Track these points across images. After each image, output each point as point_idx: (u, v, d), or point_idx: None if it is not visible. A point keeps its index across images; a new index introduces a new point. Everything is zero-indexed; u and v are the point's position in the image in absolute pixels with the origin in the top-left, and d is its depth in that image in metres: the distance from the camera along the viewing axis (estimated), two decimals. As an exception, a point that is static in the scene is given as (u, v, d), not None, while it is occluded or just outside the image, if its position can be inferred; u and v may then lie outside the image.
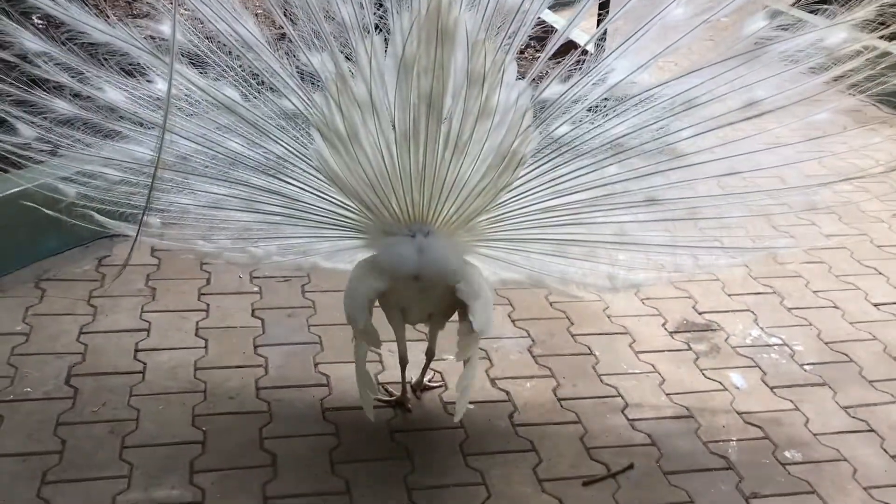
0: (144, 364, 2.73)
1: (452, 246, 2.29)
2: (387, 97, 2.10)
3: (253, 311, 3.04)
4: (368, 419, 2.39)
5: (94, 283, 3.11)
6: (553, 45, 2.17)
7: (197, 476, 2.30)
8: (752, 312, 3.28)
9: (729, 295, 3.38)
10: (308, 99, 2.22)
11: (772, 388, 2.86)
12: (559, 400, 2.73)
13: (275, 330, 2.95)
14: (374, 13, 2.10)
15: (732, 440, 2.61)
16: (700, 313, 3.26)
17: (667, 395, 2.80)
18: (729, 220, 2.46)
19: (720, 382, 2.87)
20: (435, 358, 2.57)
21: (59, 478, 2.25)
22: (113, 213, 2.43)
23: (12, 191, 3.06)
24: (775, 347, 3.08)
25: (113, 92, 2.32)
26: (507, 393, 2.74)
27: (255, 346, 2.86)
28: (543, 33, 2.27)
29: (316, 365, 2.79)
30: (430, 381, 2.75)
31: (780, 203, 2.46)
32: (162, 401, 2.57)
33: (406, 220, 2.24)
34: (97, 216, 2.44)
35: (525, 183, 2.29)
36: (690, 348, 3.04)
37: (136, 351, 2.78)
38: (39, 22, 2.59)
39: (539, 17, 2.15)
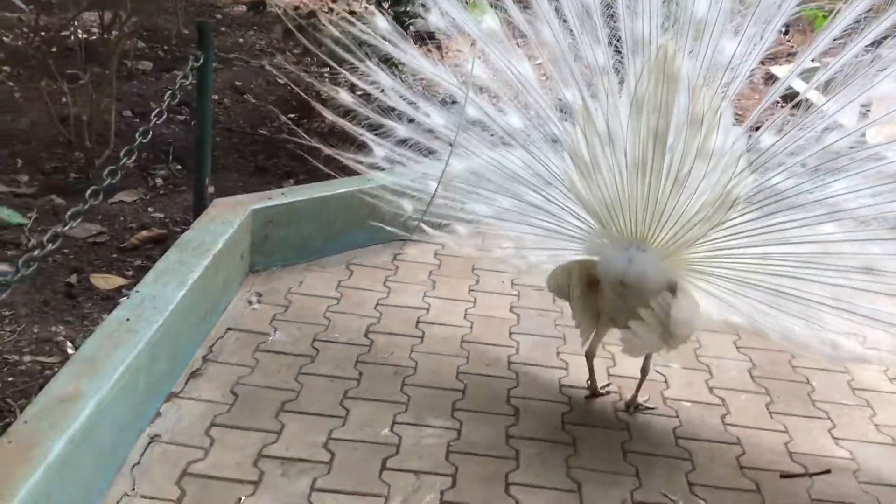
0: (423, 332, 3.40)
1: (662, 266, 2.66)
2: (621, 130, 2.58)
3: (511, 307, 3.64)
4: (602, 400, 2.98)
5: (389, 271, 3.87)
6: (769, 97, 2.55)
7: (457, 413, 2.90)
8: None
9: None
10: (563, 128, 2.77)
11: None
12: (770, 413, 3.06)
13: (527, 323, 3.52)
14: (613, 58, 2.62)
15: (933, 469, 2.82)
16: None
17: (875, 425, 3.03)
18: None
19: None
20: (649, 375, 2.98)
21: (356, 395, 2.94)
22: (435, 224, 3.10)
23: (340, 191, 3.92)
24: None
25: (436, 117, 3.02)
26: (723, 400, 3.11)
27: (510, 333, 3.44)
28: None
29: (558, 353, 3.32)
30: (646, 402, 3.02)
31: None
32: (434, 359, 3.22)
33: (629, 237, 2.68)
34: (427, 228, 3.09)
35: (739, 225, 2.60)
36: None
37: (418, 322, 3.46)
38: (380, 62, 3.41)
39: (755, 69, 2.52)
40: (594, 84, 2.66)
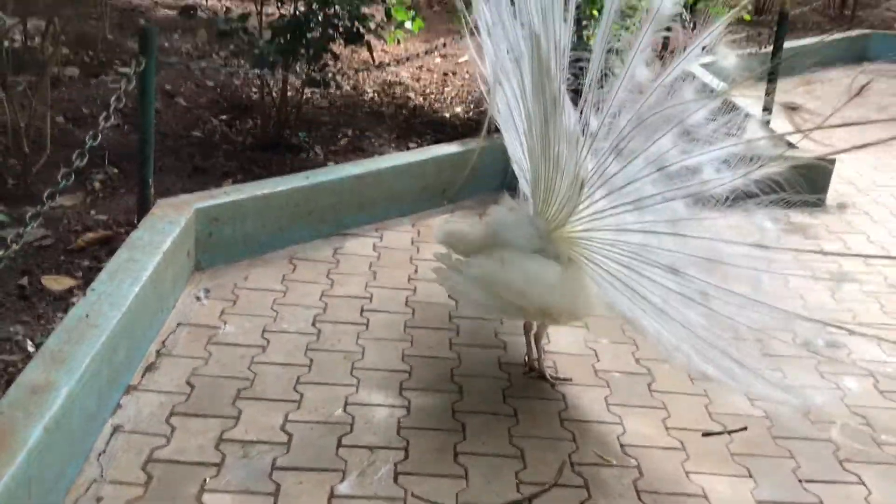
0: (368, 319, 3.56)
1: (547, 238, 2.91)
2: (532, 111, 2.84)
3: (449, 294, 3.83)
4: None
5: (331, 264, 4.02)
6: (589, 79, 2.84)
7: (405, 392, 3.08)
8: (877, 339, 3.73)
9: (859, 324, 3.85)
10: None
11: (881, 392, 3.33)
12: (692, 379, 3.30)
13: (466, 308, 3.73)
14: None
15: (836, 422, 3.12)
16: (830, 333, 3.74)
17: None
18: (740, 326, 2.58)
19: (835, 383, 3.37)
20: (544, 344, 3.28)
21: (308, 381, 3.10)
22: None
23: (281, 188, 4.06)
24: (892, 364, 3.53)
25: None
26: (648, 369, 3.37)
27: (451, 317, 3.64)
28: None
29: (496, 334, 3.53)
30: (556, 375, 3.22)
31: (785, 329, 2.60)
32: (381, 343, 3.39)
33: (535, 209, 2.97)
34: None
35: (590, 206, 2.84)
36: (814, 356, 3.54)
37: (362, 310, 3.63)
38: None
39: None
40: (521, 69, 2.89)
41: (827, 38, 10.32)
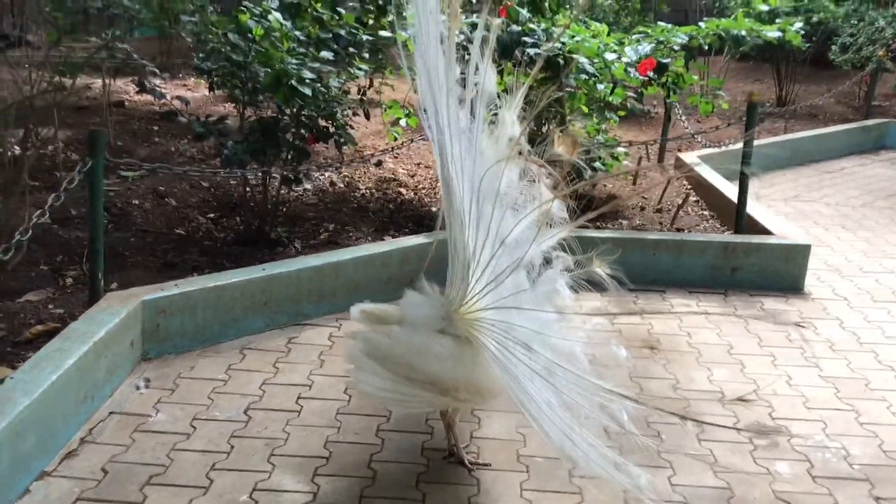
0: (302, 407, 3.61)
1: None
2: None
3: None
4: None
5: (281, 354, 4.10)
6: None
7: (317, 478, 3.09)
8: (824, 423, 3.62)
9: (808, 408, 3.75)
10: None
11: (814, 478, 3.21)
12: (616, 465, 3.26)
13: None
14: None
15: (758, 509, 3.02)
16: (774, 419, 3.65)
17: (714, 472, 3.24)
18: (571, 401, 2.66)
19: (767, 468, 3.26)
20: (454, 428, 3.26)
21: (223, 467, 3.13)
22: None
23: (235, 280, 4.18)
24: (832, 449, 3.42)
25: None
26: (574, 455, 3.32)
27: (385, 404, 3.66)
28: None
29: (427, 420, 3.53)
30: (472, 461, 3.21)
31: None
32: (307, 430, 3.42)
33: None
34: None
35: (476, 286, 2.86)
36: (751, 442, 3.45)
37: (298, 398, 3.68)
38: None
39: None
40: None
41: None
